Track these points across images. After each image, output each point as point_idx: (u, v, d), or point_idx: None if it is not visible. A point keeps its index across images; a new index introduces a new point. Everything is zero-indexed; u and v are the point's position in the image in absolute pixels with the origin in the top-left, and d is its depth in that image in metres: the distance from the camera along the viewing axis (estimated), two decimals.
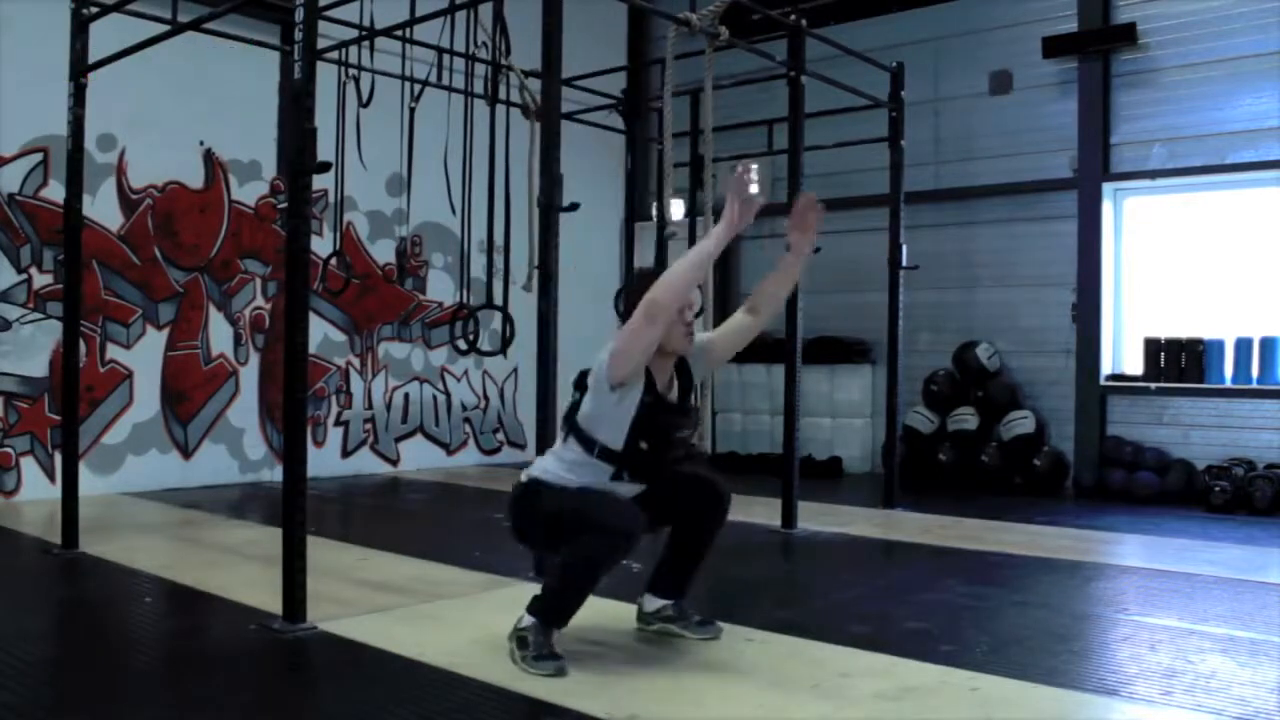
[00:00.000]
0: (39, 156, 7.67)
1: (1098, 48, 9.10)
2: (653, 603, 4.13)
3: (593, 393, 3.71)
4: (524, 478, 3.88)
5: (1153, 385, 8.83)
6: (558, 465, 3.79)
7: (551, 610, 3.68)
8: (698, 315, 3.97)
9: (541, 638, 3.64)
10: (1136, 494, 8.39)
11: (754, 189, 3.54)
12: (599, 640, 4.03)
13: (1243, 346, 8.49)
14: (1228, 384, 8.54)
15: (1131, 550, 6.60)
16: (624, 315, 3.79)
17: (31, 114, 7.45)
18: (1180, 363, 8.72)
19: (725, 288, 11.42)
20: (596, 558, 3.60)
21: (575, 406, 3.81)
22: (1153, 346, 8.88)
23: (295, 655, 3.99)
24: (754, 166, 3.51)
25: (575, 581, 3.66)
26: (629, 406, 3.65)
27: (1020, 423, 9.24)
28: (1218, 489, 7.88)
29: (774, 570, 6.04)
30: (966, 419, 9.46)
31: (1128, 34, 8.91)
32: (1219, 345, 8.59)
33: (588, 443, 3.71)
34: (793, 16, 7.13)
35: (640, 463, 3.73)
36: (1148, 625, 4.47)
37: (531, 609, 3.70)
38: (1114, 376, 9.17)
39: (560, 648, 3.66)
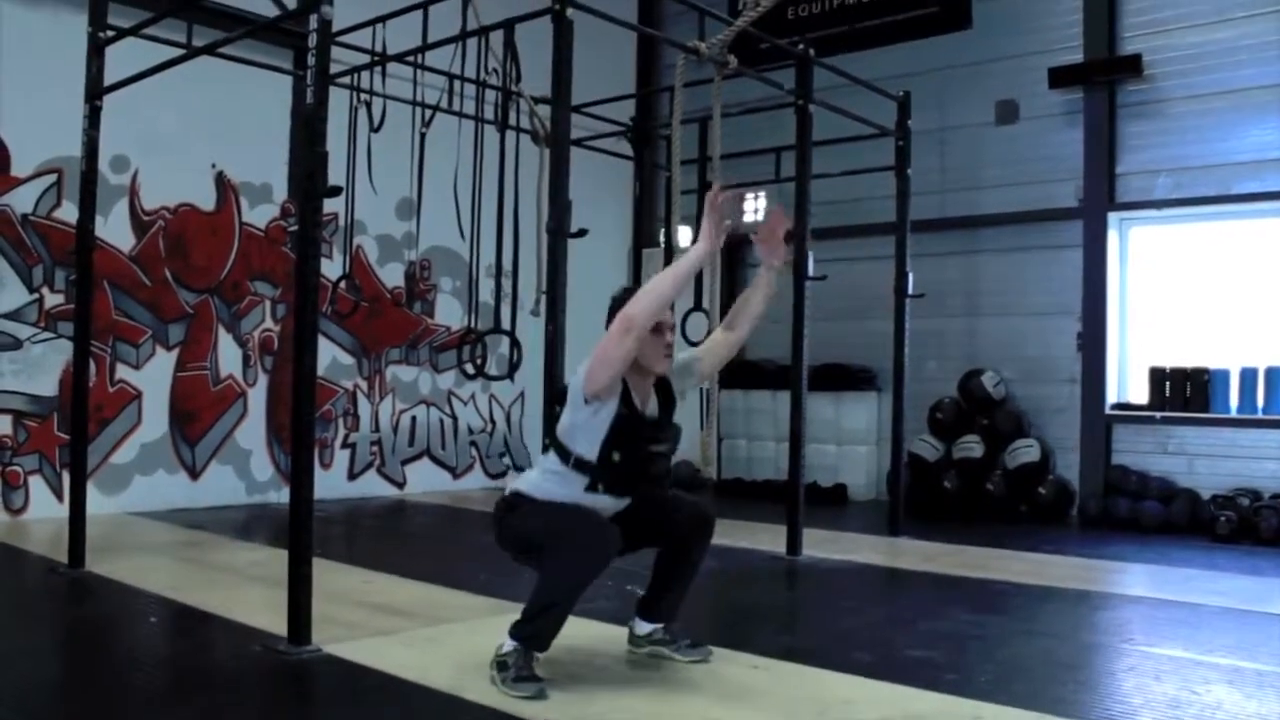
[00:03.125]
0: (53, 177, 7.75)
1: (1103, 78, 9.15)
2: (643, 627, 4.17)
3: (570, 405, 3.79)
4: (507, 491, 3.96)
5: (1158, 414, 8.82)
6: (538, 476, 3.88)
7: (531, 632, 3.70)
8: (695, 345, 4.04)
9: (522, 660, 3.67)
10: (1142, 523, 8.37)
11: (730, 212, 3.64)
12: (601, 666, 4.04)
13: (1248, 376, 8.49)
14: (1233, 414, 8.54)
15: (1137, 580, 6.59)
16: (608, 323, 3.85)
17: (46, 135, 7.52)
18: (1185, 392, 8.72)
19: (730, 303, 11.44)
20: (571, 576, 3.65)
21: (557, 419, 3.89)
22: (1158, 376, 8.89)
23: (299, 677, 4.00)
24: (732, 194, 3.61)
25: (552, 600, 3.68)
26: (604, 419, 3.72)
27: (1025, 451, 9.23)
28: (1223, 519, 7.86)
29: (778, 597, 6.04)
30: (972, 447, 9.46)
31: (1133, 65, 8.96)
32: (1224, 375, 8.59)
33: (564, 454, 3.78)
34: (800, 46, 7.19)
35: (614, 475, 3.77)
36: (1153, 655, 4.47)
37: (512, 632, 3.72)
38: (1119, 405, 9.17)
39: (554, 672, 3.67)
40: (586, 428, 3.73)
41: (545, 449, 3.93)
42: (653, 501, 3.99)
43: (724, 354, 4.27)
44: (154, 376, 8.35)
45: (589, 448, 3.74)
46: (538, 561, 3.77)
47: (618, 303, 3.82)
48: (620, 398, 3.74)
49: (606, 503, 3.84)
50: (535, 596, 3.71)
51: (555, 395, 3.95)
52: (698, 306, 7.10)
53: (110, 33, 5.92)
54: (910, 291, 8.03)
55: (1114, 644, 4.81)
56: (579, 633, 4.08)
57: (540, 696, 3.58)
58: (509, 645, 3.70)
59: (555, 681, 3.73)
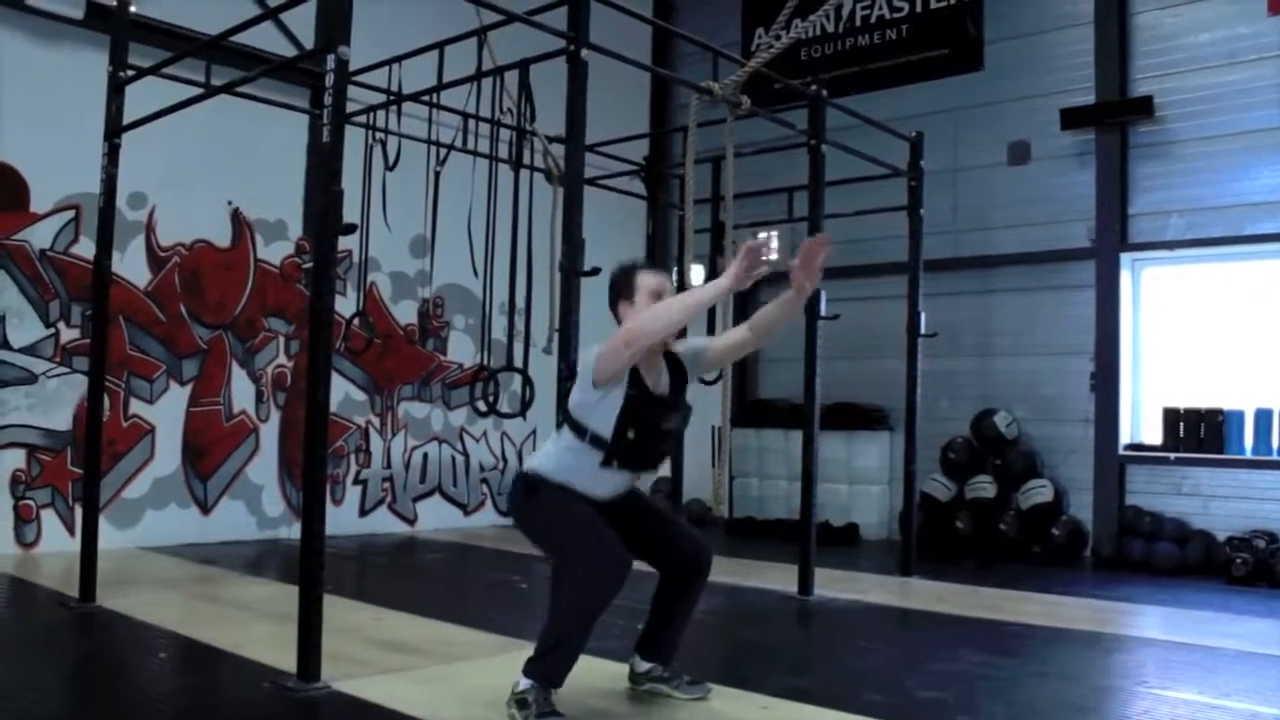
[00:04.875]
0: (71, 214, 7.82)
1: (1115, 120, 9.18)
2: (642, 664, 4.18)
3: (580, 385, 3.84)
4: (524, 467, 3.99)
5: (1172, 455, 8.78)
6: (555, 453, 3.91)
7: (545, 670, 3.69)
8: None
9: (542, 697, 3.66)
10: (1156, 565, 8.31)
11: (765, 261, 3.68)
12: (611, 706, 4.01)
13: (1263, 417, 8.45)
14: (1248, 455, 8.49)
15: (1151, 622, 6.54)
16: (611, 303, 4.00)
17: (65, 172, 7.60)
18: (1199, 433, 8.68)
19: None
20: (581, 610, 3.67)
21: (568, 395, 3.95)
22: (1171, 416, 8.85)
23: (308, 715, 3.98)
24: (774, 240, 3.69)
25: (562, 636, 3.68)
26: (615, 400, 3.76)
27: (1038, 491, 9.19)
28: (1239, 560, 7.80)
29: (789, 637, 6.00)
30: (984, 487, 9.42)
31: (1145, 107, 9.00)
32: (1239, 416, 8.55)
33: (579, 430, 3.82)
34: (813, 86, 7.24)
35: (629, 452, 3.80)
36: (1168, 699, 4.42)
37: (527, 670, 3.71)
38: (1133, 446, 9.14)
39: (567, 711, 3.65)
40: (598, 407, 3.77)
41: (559, 425, 3.95)
42: (658, 518, 4.07)
43: (734, 353, 4.30)
44: (167, 411, 8.38)
45: (603, 425, 3.76)
46: (553, 563, 3.83)
47: (617, 281, 3.96)
48: (629, 379, 3.77)
49: (619, 480, 3.89)
50: (547, 632, 3.71)
51: (567, 372, 3.98)
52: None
53: (130, 72, 5.99)
54: (922, 331, 8.03)
55: (1128, 687, 4.77)
56: (588, 671, 4.06)
57: None
58: (525, 683, 3.69)
59: None
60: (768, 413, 10.90)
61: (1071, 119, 9.36)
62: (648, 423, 3.81)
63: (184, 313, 8.49)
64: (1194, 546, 8.35)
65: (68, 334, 7.81)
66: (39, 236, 7.71)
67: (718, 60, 6.68)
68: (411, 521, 10.01)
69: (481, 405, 6.90)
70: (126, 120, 5.95)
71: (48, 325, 7.74)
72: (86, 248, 7.33)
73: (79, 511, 6.31)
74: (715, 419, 6.96)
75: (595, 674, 4.28)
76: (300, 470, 5.23)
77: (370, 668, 4.54)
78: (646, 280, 3.93)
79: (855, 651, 5.42)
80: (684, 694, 4.09)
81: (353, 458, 9.58)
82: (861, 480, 10.39)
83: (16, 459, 7.57)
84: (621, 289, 3.97)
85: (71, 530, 7.49)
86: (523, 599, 6.52)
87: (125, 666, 4.82)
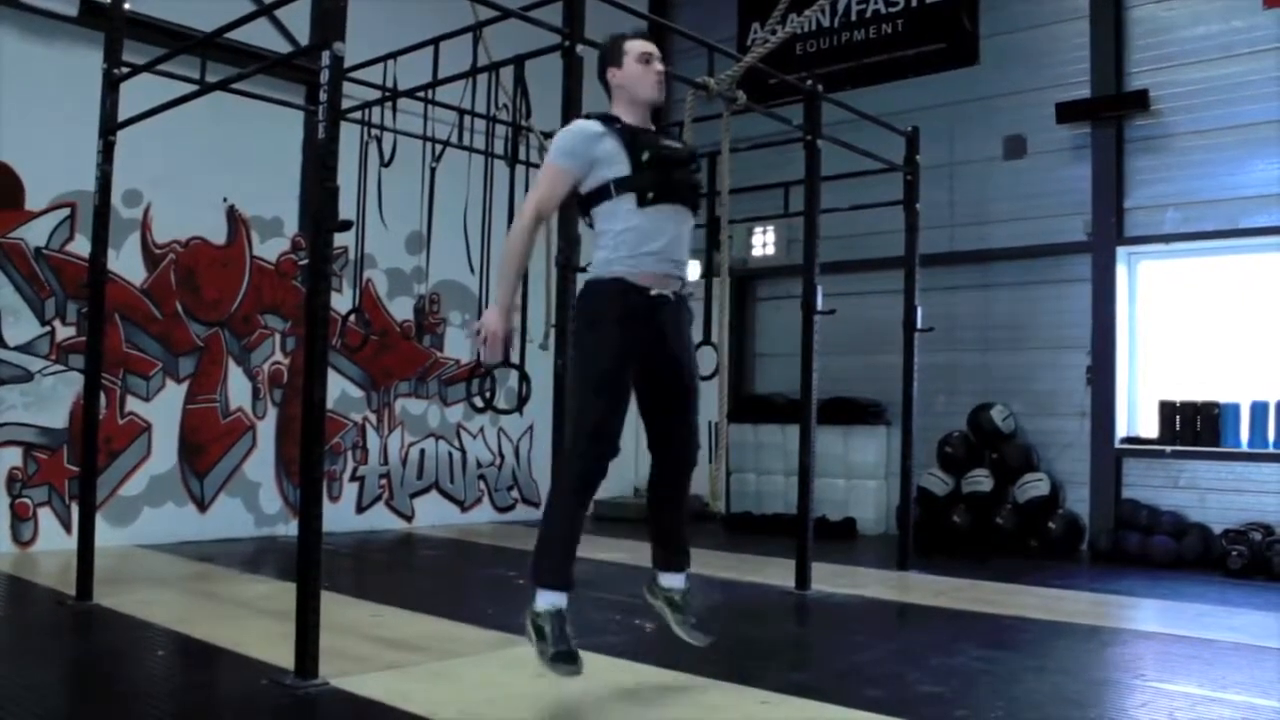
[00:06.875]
0: (66, 211, 7.80)
1: (1111, 114, 9.18)
2: (665, 579, 4.23)
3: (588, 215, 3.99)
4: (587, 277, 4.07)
5: (1168, 448, 8.79)
6: (599, 246, 3.94)
7: (543, 566, 3.78)
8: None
9: (557, 628, 3.70)
10: (1153, 558, 8.32)
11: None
12: (609, 702, 4.01)
13: (1259, 410, 8.46)
14: (1244, 448, 8.50)
15: (1149, 615, 6.55)
16: (599, 71, 4.13)
17: (60, 170, 7.58)
18: (1195, 426, 8.69)
19: (740, 348, 11.46)
20: (566, 497, 3.82)
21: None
22: (1168, 410, 8.86)
23: (307, 712, 3.98)
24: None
25: (554, 526, 3.81)
26: (613, 152, 3.84)
27: (1035, 485, 9.20)
28: (1235, 553, 7.81)
29: (787, 632, 6.01)
30: (981, 481, 9.42)
31: (1140, 100, 8.99)
32: (1234, 409, 8.57)
33: (604, 190, 3.86)
34: (809, 81, 7.24)
35: (654, 174, 3.85)
36: (1166, 692, 4.43)
37: (531, 573, 3.81)
38: (1129, 439, 9.14)
39: (562, 706, 3.66)
40: (603, 168, 3.84)
41: (591, 223, 4.00)
42: (681, 399, 4.08)
43: None
44: (164, 409, 8.37)
45: (618, 169, 3.82)
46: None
47: (606, 50, 4.10)
48: (615, 136, 3.85)
49: (665, 221, 3.90)
50: (544, 515, 3.88)
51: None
52: (706, 340, 7.11)
53: (125, 69, 5.98)
54: (919, 325, 8.04)
55: (1126, 680, 4.78)
56: (588, 668, 4.06)
57: (577, 674, 3.69)
58: (539, 601, 3.75)
59: (561, 717, 3.71)
60: (764, 408, 10.91)
61: (1067, 113, 9.36)
62: (654, 144, 3.88)
63: (180, 310, 8.48)
64: (1191, 539, 8.37)
65: (63, 332, 7.79)
66: (34, 234, 7.70)
67: (713, 55, 6.67)
68: (409, 518, 10.01)
69: (478, 401, 6.90)
70: (121, 117, 5.94)
71: (43, 323, 7.72)
72: (82, 245, 7.33)
73: (75, 509, 6.30)
74: (712, 414, 6.97)
75: (594, 669, 4.28)
76: (297, 467, 5.22)
77: (368, 664, 4.54)
78: (634, 45, 4.04)
79: (854, 646, 5.42)
80: (684, 631, 4.14)
81: (350, 454, 9.57)
82: (858, 475, 10.40)
83: (13, 457, 7.56)
84: (610, 55, 4.06)
85: (68, 528, 7.47)
86: (520, 595, 6.50)
87: (123, 664, 4.81)
